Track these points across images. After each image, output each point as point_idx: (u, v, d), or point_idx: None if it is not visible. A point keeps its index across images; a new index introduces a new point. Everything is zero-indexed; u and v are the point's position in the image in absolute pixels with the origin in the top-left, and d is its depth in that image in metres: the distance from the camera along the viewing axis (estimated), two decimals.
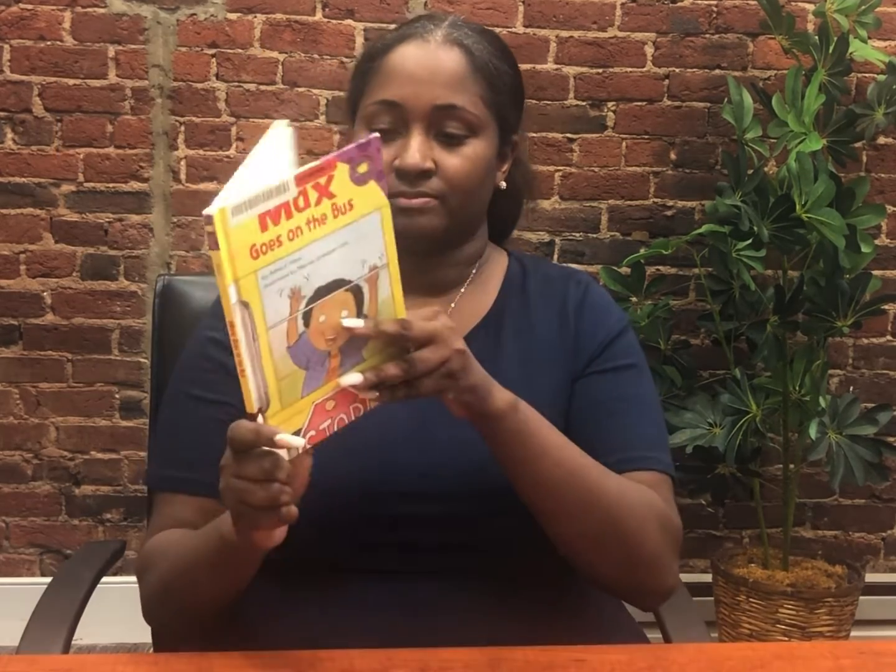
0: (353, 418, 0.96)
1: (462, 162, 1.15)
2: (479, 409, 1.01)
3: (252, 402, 0.88)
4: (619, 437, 1.17)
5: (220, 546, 1.01)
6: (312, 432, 0.93)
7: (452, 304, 1.22)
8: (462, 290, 1.24)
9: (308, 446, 0.93)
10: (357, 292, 0.93)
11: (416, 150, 1.13)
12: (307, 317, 0.90)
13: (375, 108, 1.16)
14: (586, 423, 1.17)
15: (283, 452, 0.90)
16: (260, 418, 0.89)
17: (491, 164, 1.20)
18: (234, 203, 0.83)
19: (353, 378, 0.93)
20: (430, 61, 1.15)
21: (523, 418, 1.04)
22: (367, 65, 1.19)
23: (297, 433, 0.92)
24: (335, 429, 0.95)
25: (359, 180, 0.90)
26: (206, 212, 0.82)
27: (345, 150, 0.90)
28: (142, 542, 1.21)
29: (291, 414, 0.91)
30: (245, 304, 0.86)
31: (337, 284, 0.91)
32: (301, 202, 0.87)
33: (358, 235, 0.91)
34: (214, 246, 0.83)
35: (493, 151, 1.19)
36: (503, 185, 1.24)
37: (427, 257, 1.20)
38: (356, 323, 0.92)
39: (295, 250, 0.87)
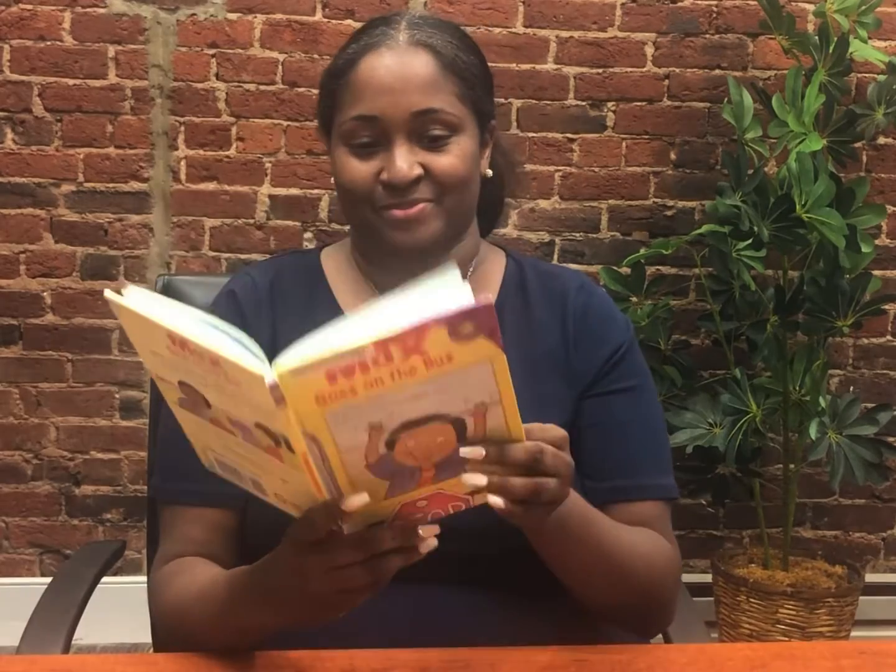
0: (450, 513, 0.90)
1: (450, 160, 1.14)
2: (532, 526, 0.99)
3: (323, 491, 0.82)
4: (620, 462, 1.18)
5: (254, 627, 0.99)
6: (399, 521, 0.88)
7: None
8: None
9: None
10: (458, 423, 0.82)
11: (401, 161, 1.12)
12: (391, 443, 0.81)
13: (353, 125, 1.14)
14: (589, 444, 1.18)
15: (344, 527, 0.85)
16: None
17: (476, 156, 1.19)
18: (293, 367, 0.75)
19: (478, 479, 0.84)
20: (399, 68, 1.13)
21: (568, 525, 1.01)
22: (335, 82, 1.17)
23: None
24: (428, 520, 0.89)
25: (462, 338, 0.76)
26: (268, 382, 0.75)
27: (443, 316, 0.75)
28: (154, 562, 1.18)
29: (371, 511, 0.85)
30: (312, 437, 0.79)
31: (431, 418, 0.81)
32: (381, 359, 0.75)
33: (459, 382, 0.79)
34: (281, 402, 0.76)
35: (476, 144, 1.18)
36: (489, 172, 1.23)
37: (420, 262, 1.15)
38: (476, 453, 0.84)
39: (375, 396, 0.77)
